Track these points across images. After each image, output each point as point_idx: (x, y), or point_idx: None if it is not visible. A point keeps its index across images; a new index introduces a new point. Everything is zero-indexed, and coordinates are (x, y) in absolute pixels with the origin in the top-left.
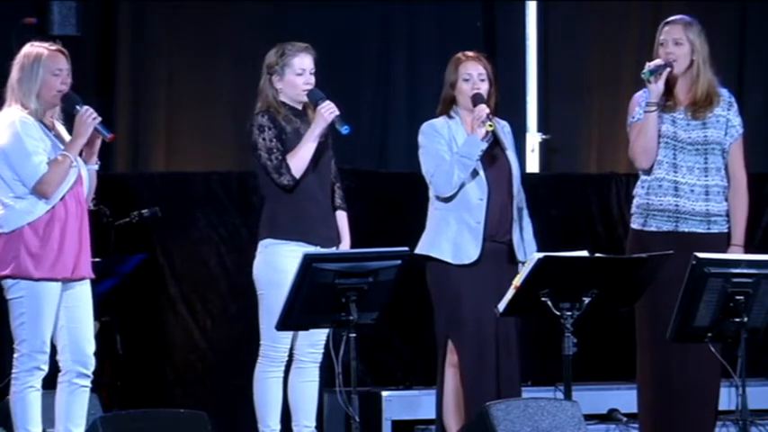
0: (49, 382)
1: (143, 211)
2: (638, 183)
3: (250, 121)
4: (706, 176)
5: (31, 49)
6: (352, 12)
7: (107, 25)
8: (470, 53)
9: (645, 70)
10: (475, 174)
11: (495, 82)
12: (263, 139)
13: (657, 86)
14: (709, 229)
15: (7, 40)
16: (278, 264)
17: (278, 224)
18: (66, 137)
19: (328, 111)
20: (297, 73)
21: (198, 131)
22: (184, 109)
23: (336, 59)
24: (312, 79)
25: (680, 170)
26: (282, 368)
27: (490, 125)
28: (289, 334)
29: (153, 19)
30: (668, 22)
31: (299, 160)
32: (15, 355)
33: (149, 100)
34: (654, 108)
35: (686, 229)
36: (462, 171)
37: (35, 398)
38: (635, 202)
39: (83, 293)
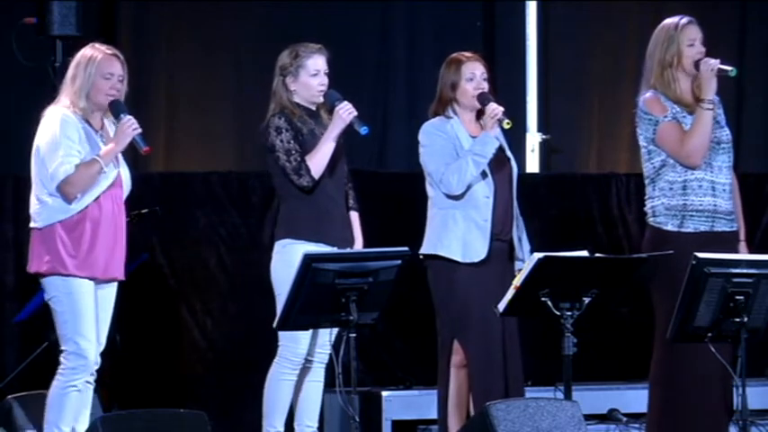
0: (47, 383)
1: (143, 211)
2: (662, 184)
3: (265, 122)
4: (729, 175)
5: (89, 50)
6: (352, 12)
7: (107, 25)
8: (468, 53)
9: (730, 68)
10: (483, 173)
11: (492, 82)
12: (281, 141)
13: (714, 84)
14: (732, 227)
15: (7, 40)
16: (295, 263)
17: (298, 224)
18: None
19: (347, 111)
20: (311, 74)
21: (198, 131)
22: (184, 109)
23: (336, 59)
24: (326, 80)
25: (715, 170)
26: (297, 372)
27: (507, 123)
28: (308, 336)
29: (153, 19)
30: (691, 22)
31: (318, 161)
32: (62, 354)
33: (149, 100)
34: (712, 106)
35: (719, 229)
36: (476, 169)
37: (75, 398)
38: (662, 203)
39: (110, 295)
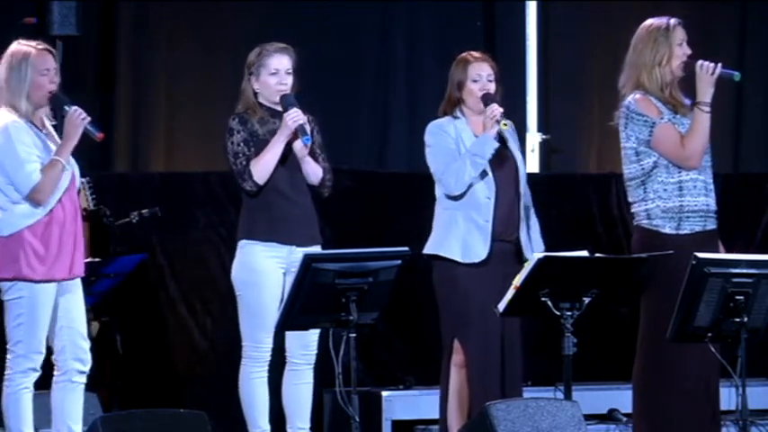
0: (40, 383)
1: (143, 211)
2: (655, 186)
3: None
4: (712, 174)
5: (19, 48)
6: (352, 12)
7: (107, 25)
8: (477, 53)
9: (734, 73)
10: (483, 173)
11: (500, 83)
12: (231, 143)
13: (713, 87)
14: (715, 224)
15: (7, 40)
16: (253, 264)
17: (252, 225)
18: (55, 135)
19: (292, 119)
20: (271, 73)
21: (198, 131)
22: (184, 109)
23: (336, 59)
24: (287, 80)
25: (704, 170)
26: (266, 368)
27: (505, 124)
28: (270, 333)
29: (153, 19)
30: (680, 23)
31: (262, 167)
32: (9, 357)
33: (149, 100)
34: (710, 109)
35: (709, 227)
36: (474, 170)
37: (28, 399)
38: (657, 205)
39: (77, 292)
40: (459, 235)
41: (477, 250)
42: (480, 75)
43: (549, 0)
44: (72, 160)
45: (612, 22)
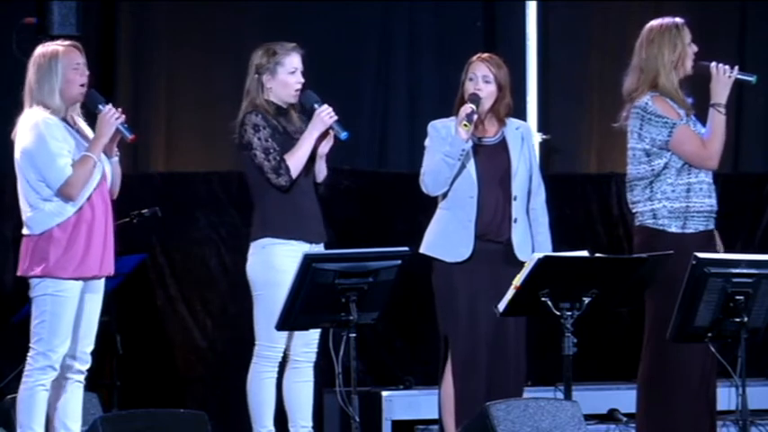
0: None
1: (143, 211)
2: (664, 187)
3: (239, 119)
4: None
5: (45, 48)
6: (352, 11)
7: (107, 25)
8: (485, 55)
9: (751, 77)
10: (461, 171)
11: (509, 85)
12: (259, 139)
13: (729, 89)
14: (714, 225)
15: (7, 40)
16: (276, 263)
17: (275, 223)
18: (89, 132)
19: (328, 115)
20: (289, 72)
21: (198, 131)
22: (184, 109)
23: (336, 59)
24: (302, 78)
25: (708, 172)
26: (276, 368)
27: (464, 125)
28: (284, 334)
29: (153, 19)
30: (686, 23)
31: (297, 161)
32: (30, 353)
33: (149, 100)
34: (725, 110)
35: (710, 227)
36: (447, 170)
37: (43, 398)
38: (664, 206)
39: (100, 291)
40: (444, 233)
41: (460, 249)
42: (475, 74)
43: (549, 0)
44: (104, 157)
45: (612, 22)
